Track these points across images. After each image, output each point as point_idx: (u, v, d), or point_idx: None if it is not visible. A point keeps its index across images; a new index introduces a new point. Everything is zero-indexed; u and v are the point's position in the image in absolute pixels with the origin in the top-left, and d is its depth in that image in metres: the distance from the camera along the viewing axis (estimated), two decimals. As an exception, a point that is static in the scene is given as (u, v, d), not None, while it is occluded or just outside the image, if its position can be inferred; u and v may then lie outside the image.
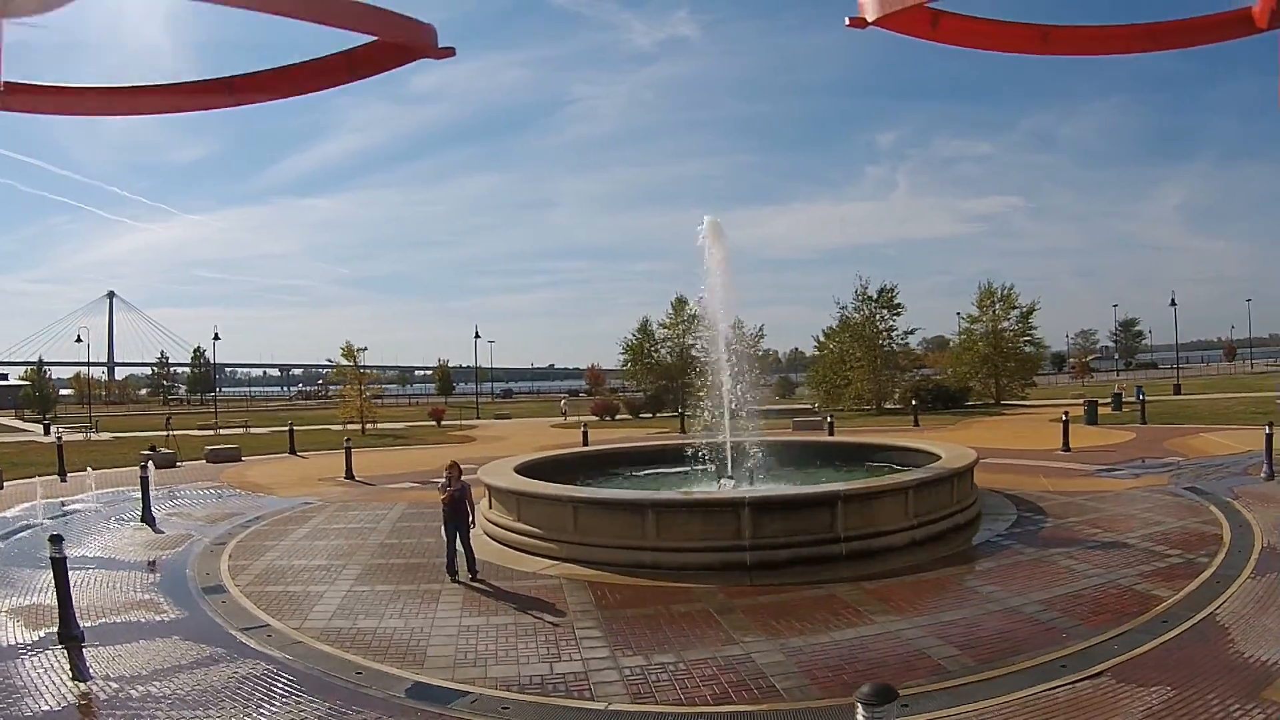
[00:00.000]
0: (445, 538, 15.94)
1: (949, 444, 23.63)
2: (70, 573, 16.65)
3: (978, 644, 11.15)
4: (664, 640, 11.87)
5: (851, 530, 16.05)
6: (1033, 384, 75.06)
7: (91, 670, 11.86)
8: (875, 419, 55.72)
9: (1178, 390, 61.50)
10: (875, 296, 69.91)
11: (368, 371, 59.11)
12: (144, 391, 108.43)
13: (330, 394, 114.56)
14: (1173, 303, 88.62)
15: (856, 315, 70.01)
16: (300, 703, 10.20)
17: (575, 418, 67.20)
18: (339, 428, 52.86)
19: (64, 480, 29.61)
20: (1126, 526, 17.90)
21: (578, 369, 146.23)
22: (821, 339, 73.88)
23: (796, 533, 15.85)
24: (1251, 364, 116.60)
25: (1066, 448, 31.46)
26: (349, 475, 31.33)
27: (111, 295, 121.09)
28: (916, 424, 48.05)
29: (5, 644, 12.97)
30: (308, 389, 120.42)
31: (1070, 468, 27.08)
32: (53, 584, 15.65)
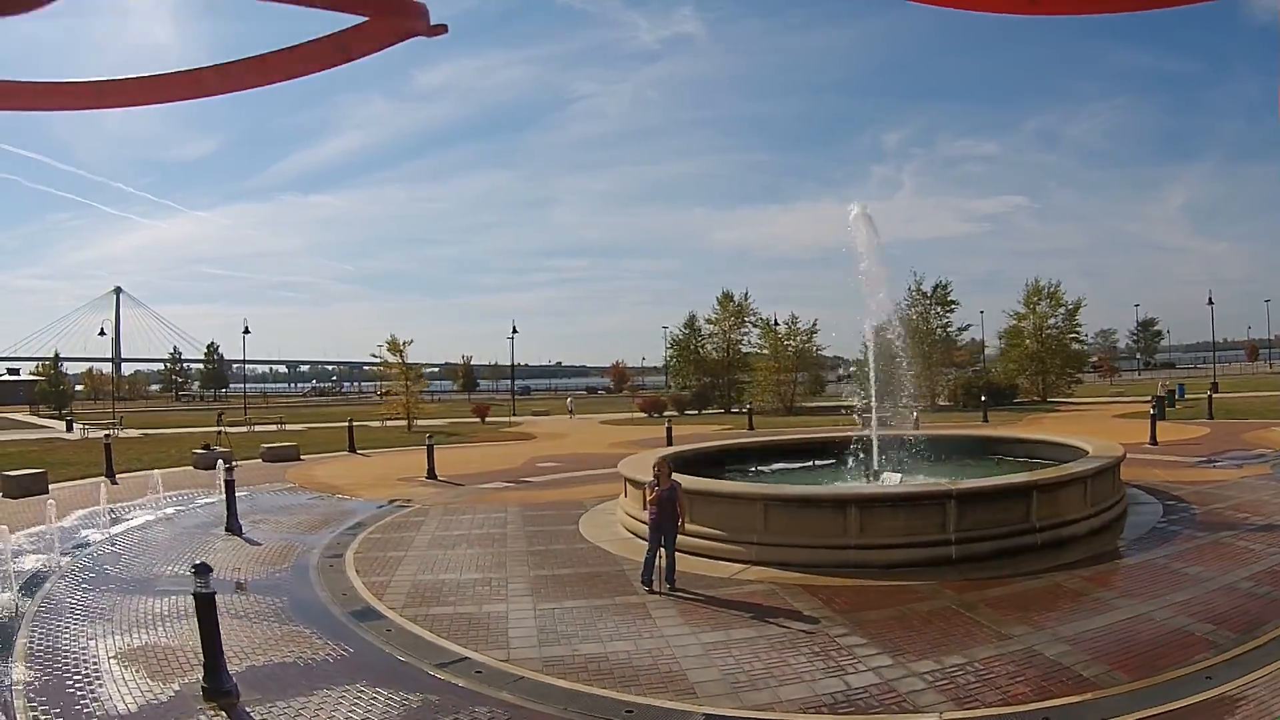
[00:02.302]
0: (648, 543, 14.07)
1: (1082, 436, 22.82)
2: (174, 597, 13.66)
3: (1225, 619, 11.15)
4: (935, 641, 10.88)
5: (1044, 520, 15.49)
6: (1079, 381, 72.94)
7: (278, 742, 8.40)
8: (931, 415, 52.69)
9: (1215, 389, 58.70)
10: (929, 293, 67.92)
11: (413, 367, 55.05)
12: (155, 388, 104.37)
13: (344, 391, 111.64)
14: (1210, 302, 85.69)
15: (911, 311, 67.39)
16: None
17: (615, 415, 64.11)
18: (377, 424, 49.22)
19: (114, 482, 25.78)
20: (1270, 510, 17.82)
21: (583, 366, 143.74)
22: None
23: (996, 524, 15.12)
24: (1270, 364, 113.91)
25: (1154, 441, 30.52)
26: (431, 475, 28.02)
27: (118, 291, 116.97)
28: (985, 419, 45.50)
29: (134, 705, 9.59)
30: (321, 385, 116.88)
31: (1170, 459, 26.50)
32: (158, 614, 12.99)
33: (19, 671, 10.53)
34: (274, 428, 48.50)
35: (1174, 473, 23.07)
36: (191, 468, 29.21)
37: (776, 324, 70.65)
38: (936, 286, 67.90)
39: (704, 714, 8.96)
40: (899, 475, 19.20)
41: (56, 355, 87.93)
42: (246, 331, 69.62)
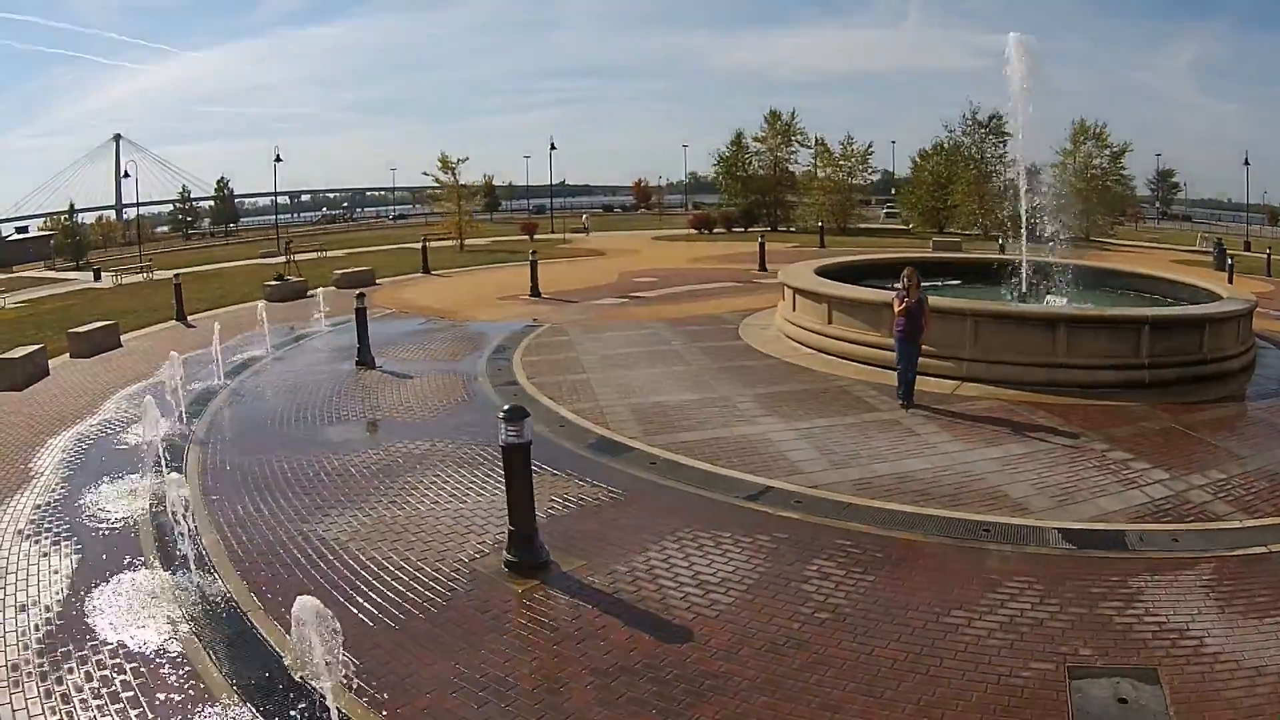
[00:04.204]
0: (898, 358, 13.37)
1: (1201, 276, 23.15)
2: (364, 452, 11.48)
3: None
4: (1187, 458, 11.06)
5: (1212, 353, 15.58)
6: (1121, 223, 70.03)
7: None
8: (988, 242, 50.40)
9: (1248, 247, 55.62)
10: (985, 123, 63.48)
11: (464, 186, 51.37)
12: (163, 229, 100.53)
13: (355, 218, 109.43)
14: (1246, 163, 79.98)
15: (965, 140, 64.58)
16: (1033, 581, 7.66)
17: (662, 231, 61.76)
18: (419, 245, 46.38)
19: (190, 325, 23.34)
20: None
21: (587, 185, 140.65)
22: (917, 160, 69.27)
23: (1178, 352, 15.21)
24: None
25: (1230, 288, 27.82)
26: (535, 293, 26.05)
27: (118, 138, 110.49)
28: (1023, 252, 42.88)
29: (427, 600, 7.42)
30: (331, 214, 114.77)
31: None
32: (359, 476, 10.61)
33: (235, 587, 7.67)
34: (315, 255, 45.61)
35: (1267, 324, 21.22)
36: (264, 301, 26.71)
37: (823, 144, 68.11)
38: (991, 117, 62.96)
39: (1056, 528, 8.75)
40: (1063, 299, 18.48)
41: (72, 206, 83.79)
42: (278, 159, 64.68)
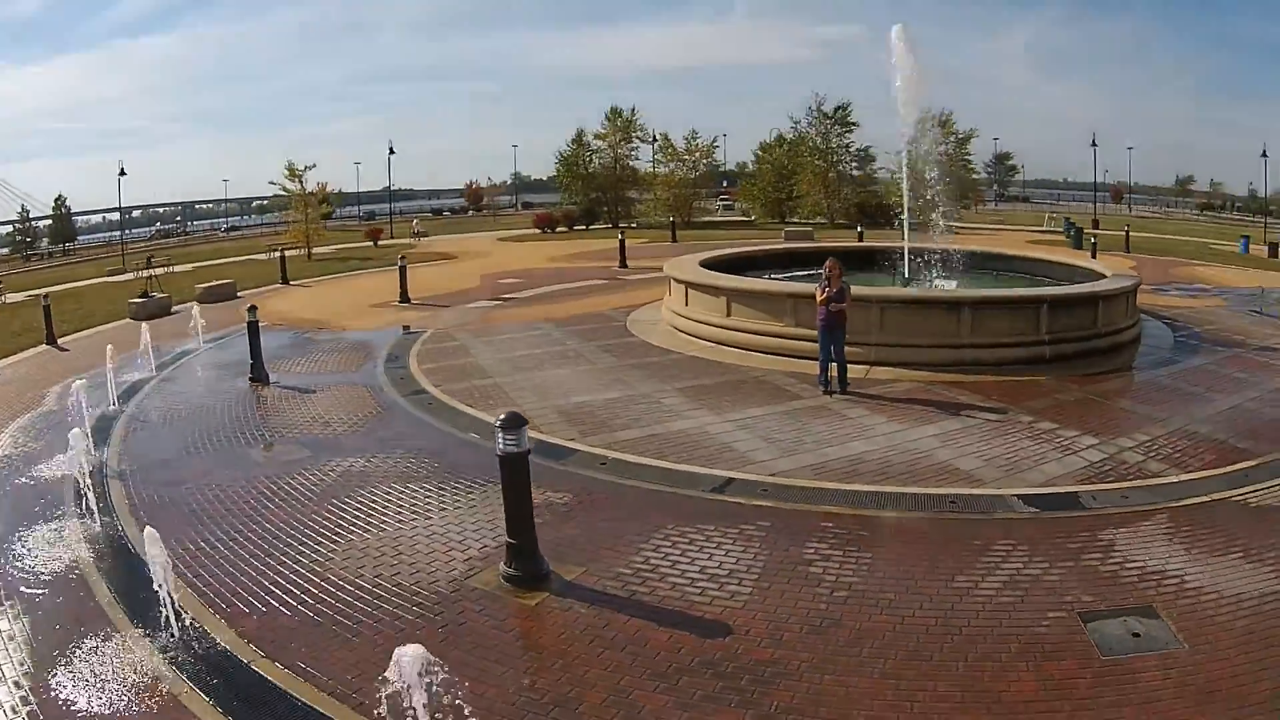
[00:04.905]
0: (820, 347, 13.69)
1: (1072, 254, 25.79)
2: (301, 475, 10.82)
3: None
4: (1110, 424, 12.13)
5: (1105, 327, 16.65)
6: (966, 207, 74.29)
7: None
8: (834, 231, 52.69)
9: (1096, 225, 60.30)
10: (830, 114, 67.03)
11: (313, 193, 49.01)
12: (3, 251, 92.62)
13: (188, 230, 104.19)
14: (1093, 143, 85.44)
15: (811, 131, 67.77)
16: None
17: (505, 233, 61.04)
18: (265, 256, 44.22)
19: (62, 349, 21.21)
20: (1258, 334, 19.01)
21: (410, 189, 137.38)
22: (759, 153, 72.14)
23: (1075, 328, 16.14)
24: (1130, 208, 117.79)
25: (1093, 269, 30.17)
26: (405, 299, 25.37)
27: None
28: (903, 237, 44.93)
29: (425, 618, 7.65)
30: (165, 228, 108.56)
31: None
32: (311, 499, 10.14)
33: (222, 633, 7.01)
34: (163, 271, 42.69)
35: (1142, 298, 21.79)
36: (132, 320, 24.90)
37: (655, 139, 69.46)
38: (838, 108, 66.78)
39: (1015, 495, 9.37)
40: (953, 282, 19.31)
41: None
42: (122, 173, 60.70)
